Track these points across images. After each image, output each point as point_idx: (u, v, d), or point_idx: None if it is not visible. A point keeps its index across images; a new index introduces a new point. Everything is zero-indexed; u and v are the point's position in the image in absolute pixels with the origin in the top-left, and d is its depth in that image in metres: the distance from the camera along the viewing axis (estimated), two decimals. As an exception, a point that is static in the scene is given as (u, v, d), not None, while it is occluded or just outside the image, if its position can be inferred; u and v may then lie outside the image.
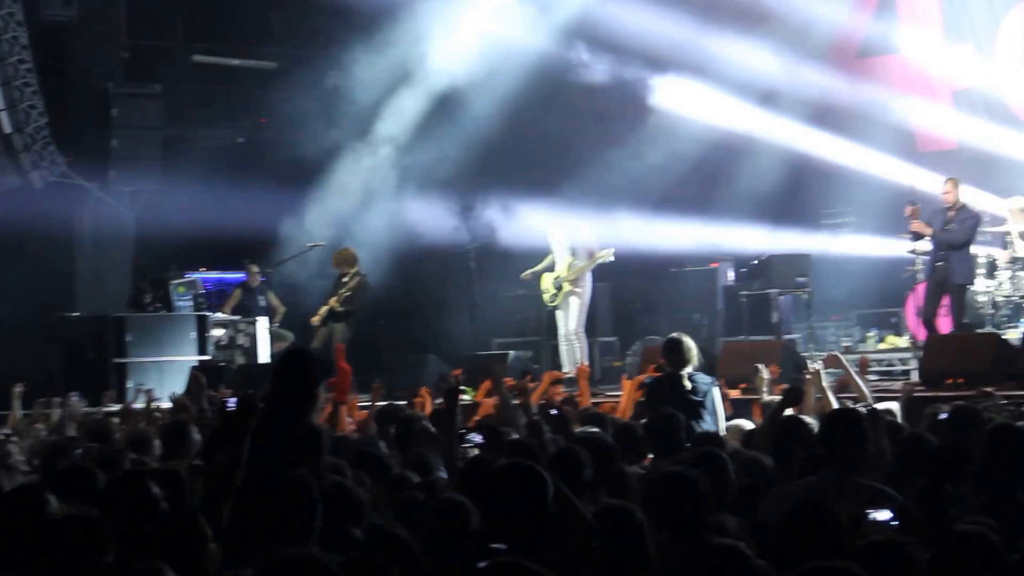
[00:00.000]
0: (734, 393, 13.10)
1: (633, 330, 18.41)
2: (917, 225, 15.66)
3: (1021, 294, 16.30)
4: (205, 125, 21.55)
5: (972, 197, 18.63)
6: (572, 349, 16.13)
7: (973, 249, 15.95)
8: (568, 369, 16.05)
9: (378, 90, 19.64)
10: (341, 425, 10.58)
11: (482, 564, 4.69)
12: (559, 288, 16.41)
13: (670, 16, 18.95)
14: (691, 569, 4.69)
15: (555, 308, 16.55)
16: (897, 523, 5.23)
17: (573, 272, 16.32)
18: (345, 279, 17.21)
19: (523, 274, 16.89)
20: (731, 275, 19.08)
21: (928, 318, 15.66)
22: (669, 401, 9.36)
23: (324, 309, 17.20)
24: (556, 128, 19.94)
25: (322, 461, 6.61)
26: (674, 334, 10.31)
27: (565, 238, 16.45)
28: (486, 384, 11.26)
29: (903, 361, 16.53)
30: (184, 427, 8.75)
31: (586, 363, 14.80)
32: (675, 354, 10.04)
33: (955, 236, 15.37)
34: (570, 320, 16.31)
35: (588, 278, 16.46)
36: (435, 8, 19.19)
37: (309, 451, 6.42)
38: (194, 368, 12.37)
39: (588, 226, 16.52)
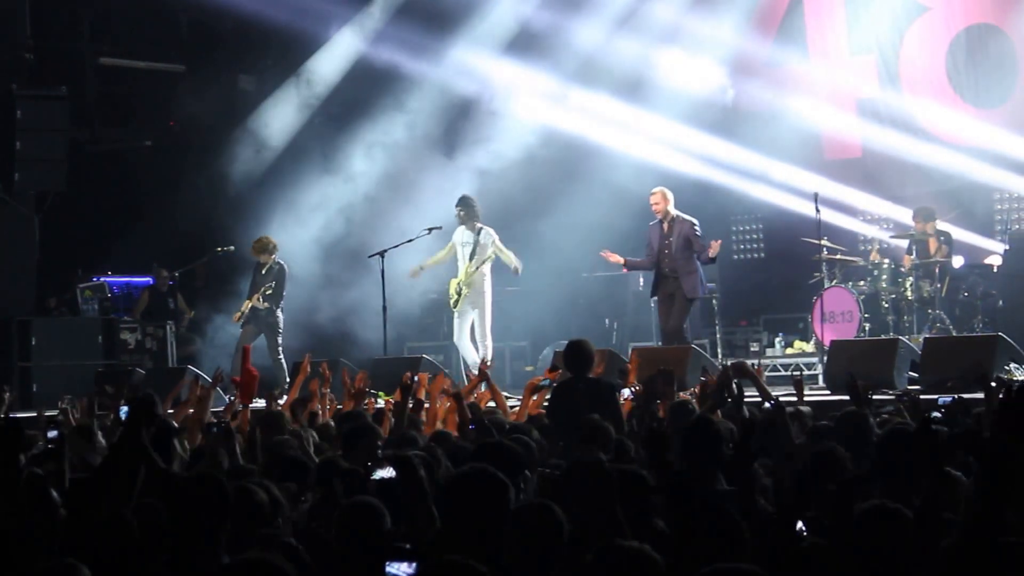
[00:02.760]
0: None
1: (544, 335, 18.46)
2: (612, 256, 15.81)
3: (923, 299, 16.57)
4: (112, 128, 21.36)
5: (876, 205, 19.07)
6: (486, 352, 16.07)
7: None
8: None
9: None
10: (243, 427, 10.54)
11: (401, 570, 4.67)
12: (459, 293, 16.36)
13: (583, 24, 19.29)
14: (597, 571, 4.69)
15: (455, 312, 16.45)
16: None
17: (467, 275, 16.23)
18: (264, 270, 17.13)
19: (411, 269, 16.81)
20: (641, 281, 19.21)
21: (668, 331, 15.67)
22: (576, 405, 9.38)
23: (246, 305, 17.10)
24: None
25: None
26: (575, 339, 10.24)
27: (468, 240, 16.34)
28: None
29: (810, 366, 16.74)
30: None
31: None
32: (577, 358, 10.02)
33: (695, 258, 15.36)
34: (479, 325, 16.23)
35: (488, 282, 16.40)
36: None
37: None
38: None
39: (493, 232, 16.40)
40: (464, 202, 16.39)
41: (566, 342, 10.44)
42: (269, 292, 16.90)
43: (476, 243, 16.23)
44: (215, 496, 5.47)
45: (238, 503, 6.03)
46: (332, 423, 9.80)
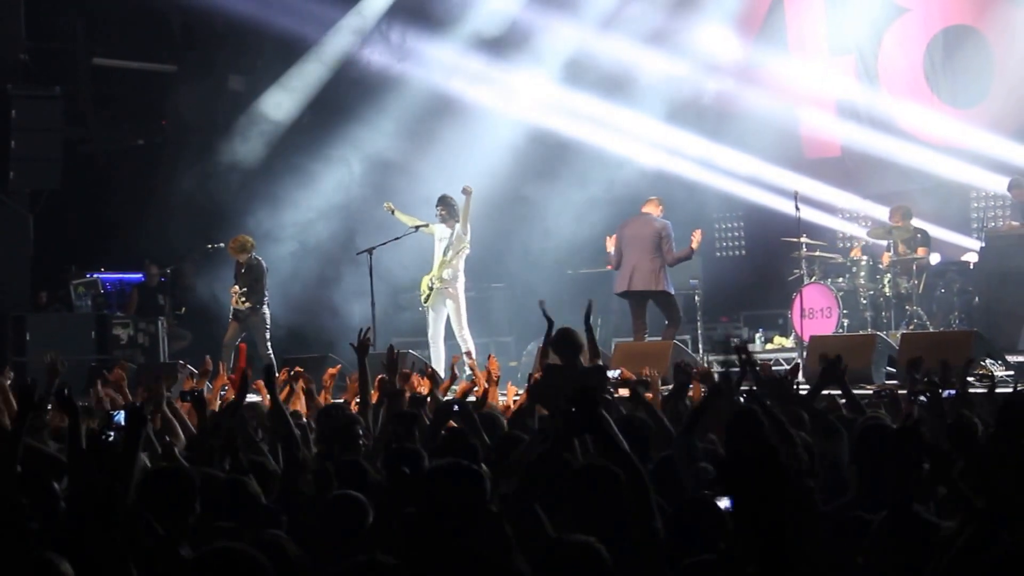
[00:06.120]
0: (623, 392, 13.41)
1: (528, 331, 18.67)
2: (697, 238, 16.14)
3: (900, 295, 16.84)
4: (105, 127, 21.56)
5: (854, 203, 19.34)
6: (467, 345, 16.20)
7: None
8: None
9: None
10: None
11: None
12: (431, 288, 16.44)
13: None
14: (546, 566, 4.66)
15: (428, 308, 16.50)
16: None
17: (440, 269, 16.42)
18: (243, 269, 17.27)
19: (388, 204, 17.11)
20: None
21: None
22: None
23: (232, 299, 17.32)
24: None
25: None
26: (564, 327, 10.15)
27: (445, 236, 16.53)
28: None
29: (788, 361, 16.97)
30: None
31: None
32: (567, 346, 9.96)
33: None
34: (455, 323, 16.42)
35: (461, 276, 16.53)
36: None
37: None
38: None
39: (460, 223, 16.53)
40: (444, 201, 16.54)
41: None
42: (243, 292, 17.06)
43: (451, 241, 16.43)
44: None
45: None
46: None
